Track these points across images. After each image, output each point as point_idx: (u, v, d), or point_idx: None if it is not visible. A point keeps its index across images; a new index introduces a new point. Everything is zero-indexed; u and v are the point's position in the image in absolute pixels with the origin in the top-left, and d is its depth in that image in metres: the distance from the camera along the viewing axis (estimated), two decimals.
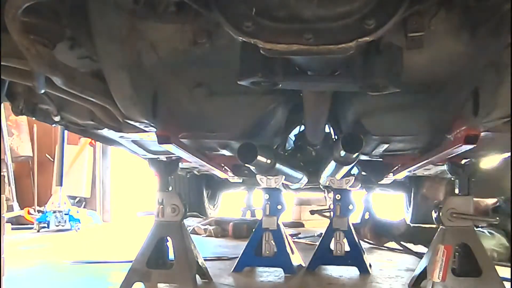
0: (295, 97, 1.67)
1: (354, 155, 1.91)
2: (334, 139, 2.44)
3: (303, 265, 2.74)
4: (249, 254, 2.64)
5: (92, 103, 1.38)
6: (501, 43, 1.14)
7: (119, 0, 1.14)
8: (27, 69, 1.16)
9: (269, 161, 2.06)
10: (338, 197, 2.71)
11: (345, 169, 2.54)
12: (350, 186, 2.74)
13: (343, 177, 2.68)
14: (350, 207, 2.71)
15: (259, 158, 1.90)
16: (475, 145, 1.45)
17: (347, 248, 2.71)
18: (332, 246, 2.71)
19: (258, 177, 2.59)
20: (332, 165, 2.43)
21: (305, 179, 3.06)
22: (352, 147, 1.77)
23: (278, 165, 2.19)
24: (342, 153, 1.81)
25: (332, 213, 2.74)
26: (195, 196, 5.11)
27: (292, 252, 2.71)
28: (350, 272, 2.69)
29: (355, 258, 2.66)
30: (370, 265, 2.72)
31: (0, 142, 4.67)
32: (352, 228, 2.72)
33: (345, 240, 2.70)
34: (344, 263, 2.71)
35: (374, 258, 3.21)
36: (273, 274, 2.61)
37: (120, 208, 7.32)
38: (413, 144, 1.97)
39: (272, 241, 2.62)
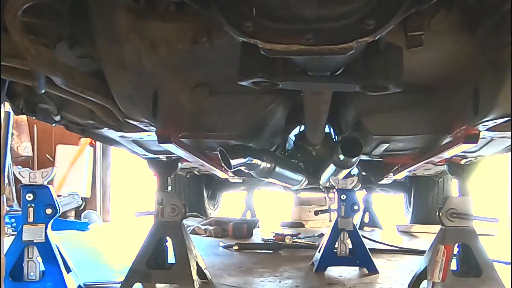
0: (295, 97, 1.67)
1: (353, 159, 1.90)
2: (334, 140, 2.44)
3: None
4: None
5: (92, 102, 1.38)
6: (501, 42, 1.14)
7: None
8: (27, 69, 1.16)
9: (268, 165, 2.07)
10: (343, 197, 2.73)
11: (345, 171, 2.54)
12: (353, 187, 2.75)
13: (347, 177, 2.70)
14: (355, 207, 2.72)
15: (257, 162, 1.91)
16: (475, 144, 1.45)
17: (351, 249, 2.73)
18: (336, 247, 2.72)
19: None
20: (331, 167, 2.43)
21: (305, 181, 3.06)
22: (351, 152, 1.77)
23: (278, 169, 2.19)
24: (341, 157, 1.81)
25: (336, 213, 2.76)
26: (195, 196, 5.10)
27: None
28: (349, 272, 2.69)
29: (363, 258, 2.69)
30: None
31: (0, 142, 4.66)
32: (357, 228, 2.74)
33: (348, 241, 2.71)
34: (352, 263, 2.72)
35: (374, 258, 3.21)
36: (272, 275, 2.61)
37: (121, 208, 7.32)
38: (413, 144, 1.98)
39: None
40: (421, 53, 1.25)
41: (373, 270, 2.66)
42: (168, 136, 1.57)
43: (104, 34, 1.17)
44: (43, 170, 2.02)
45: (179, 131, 1.72)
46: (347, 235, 2.70)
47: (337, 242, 2.70)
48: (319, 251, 2.80)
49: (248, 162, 1.87)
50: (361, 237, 2.75)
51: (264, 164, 2.01)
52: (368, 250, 2.72)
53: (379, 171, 2.84)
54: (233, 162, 1.76)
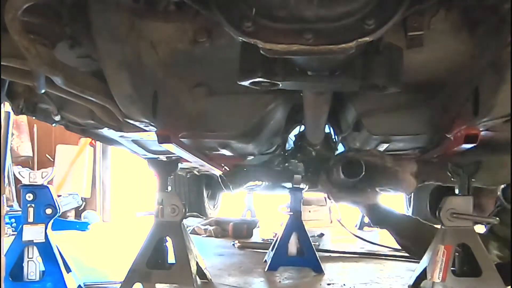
0: (295, 97, 1.67)
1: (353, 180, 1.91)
2: (334, 140, 2.43)
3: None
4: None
5: (92, 102, 1.38)
6: (501, 42, 1.14)
7: None
8: (27, 69, 1.16)
9: (268, 183, 2.11)
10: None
11: None
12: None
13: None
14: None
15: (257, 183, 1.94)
16: (475, 144, 1.45)
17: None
18: (290, 246, 2.73)
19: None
20: None
21: (305, 186, 3.06)
22: (352, 173, 1.78)
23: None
24: (341, 176, 1.81)
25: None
26: (195, 196, 5.10)
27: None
28: (350, 272, 2.69)
29: (310, 258, 2.69)
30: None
31: (0, 142, 4.66)
32: (305, 227, 2.76)
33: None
34: (301, 263, 2.73)
35: (375, 259, 3.21)
36: (272, 275, 2.61)
37: (120, 208, 7.32)
38: (413, 144, 1.98)
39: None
40: (421, 53, 1.25)
41: (319, 271, 2.67)
42: (168, 136, 1.57)
43: (104, 34, 1.17)
44: (43, 170, 2.04)
45: (179, 131, 1.72)
46: (297, 235, 2.72)
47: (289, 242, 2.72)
48: (271, 250, 2.83)
49: (248, 185, 1.89)
50: (309, 237, 2.76)
51: (263, 184, 2.04)
52: (315, 250, 2.74)
53: None
54: (233, 188, 1.79)
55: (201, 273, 2.34)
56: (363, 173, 1.76)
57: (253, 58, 1.10)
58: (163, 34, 1.27)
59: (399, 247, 3.50)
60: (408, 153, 2.14)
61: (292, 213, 2.74)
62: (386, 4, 0.90)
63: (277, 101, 1.72)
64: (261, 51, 0.96)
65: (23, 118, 6.30)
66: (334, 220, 4.32)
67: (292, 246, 2.73)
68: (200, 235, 4.54)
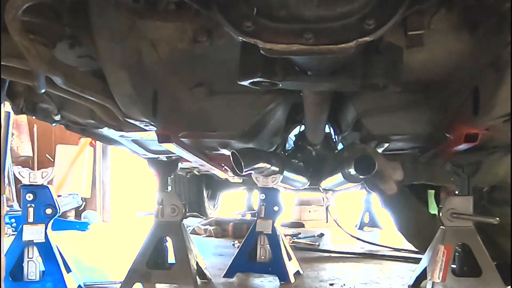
0: (295, 97, 1.67)
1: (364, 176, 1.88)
2: (334, 140, 2.43)
3: (301, 272, 2.64)
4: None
5: (92, 102, 1.38)
6: (501, 41, 1.14)
7: None
8: (27, 69, 1.16)
9: (277, 169, 2.06)
10: (262, 196, 2.50)
11: (351, 184, 2.49)
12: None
13: (270, 175, 2.42)
14: (276, 208, 2.48)
15: (267, 165, 1.90)
16: (475, 144, 1.45)
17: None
18: (258, 251, 2.49)
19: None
20: (339, 177, 2.39)
21: (307, 182, 3.03)
22: (364, 170, 1.74)
23: (285, 172, 2.17)
24: (352, 171, 1.79)
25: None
26: (195, 196, 5.10)
27: (290, 258, 2.54)
28: (351, 273, 2.69)
29: (276, 265, 2.42)
30: (298, 272, 2.60)
31: (0, 142, 4.66)
32: (277, 231, 2.48)
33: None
34: (264, 270, 2.50)
35: (375, 259, 3.21)
36: (267, 279, 2.60)
37: (120, 208, 7.32)
38: (413, 143, 1.98)
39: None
40: (421, 52, 1.25)
41: (285, 279, 2.38)
42: (168, 136, 1.57)
43: (104, 33, 1.17)
44: (43, 170, 2.03)
45: (179, 130, 1.72)
46: (267, 239, 2.46)
47: (258, 246, 2.48)
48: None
49: (259, 166, 1.85)
50: (282, 242, 2.48)
51: (273, 168, 2.01)
52: (285, 258, 2.44)
53: None
54: (245, 166, 1.74)
55: (201, 273, 2.33)
56: (376, 169, 1.71)
57: (253, 58, 1.10)
58: (163, 33, 1.27)
59: (399, 247, 3.54)
60: (408, 152, 2.14)
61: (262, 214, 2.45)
62: (386, 4, 0.90)
63: (277, 101, 1.72)
64: (261, 51, 0.96)
65: (23, 118, 6.30)
66: (330, 220, 4.29)
67: (260, 250, 2.46)
68: (200, 235, 4.54)
